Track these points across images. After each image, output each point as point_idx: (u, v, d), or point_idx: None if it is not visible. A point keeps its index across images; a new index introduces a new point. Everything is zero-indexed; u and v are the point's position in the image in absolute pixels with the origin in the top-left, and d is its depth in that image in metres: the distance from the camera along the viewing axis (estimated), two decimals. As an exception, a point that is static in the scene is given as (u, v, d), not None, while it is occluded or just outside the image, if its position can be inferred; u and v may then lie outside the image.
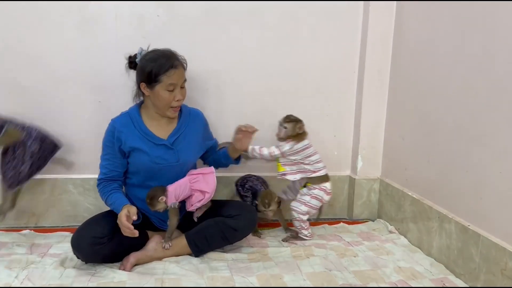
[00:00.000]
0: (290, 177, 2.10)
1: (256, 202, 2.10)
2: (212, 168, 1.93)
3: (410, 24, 2.16)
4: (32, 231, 2.13)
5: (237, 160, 2.13)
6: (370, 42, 2.31)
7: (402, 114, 2.24)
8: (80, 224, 1.83)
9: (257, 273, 1.75)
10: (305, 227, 2.11)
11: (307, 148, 2.07)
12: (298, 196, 2.13)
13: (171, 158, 1.90)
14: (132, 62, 1.92)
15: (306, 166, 2.08)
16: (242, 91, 2.33)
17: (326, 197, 2.11)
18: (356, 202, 2.45)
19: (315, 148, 2.10)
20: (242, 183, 2.22)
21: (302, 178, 2.11)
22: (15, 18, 2.08)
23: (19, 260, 1.80)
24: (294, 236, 2.14)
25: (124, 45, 2.15)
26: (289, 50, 2.33)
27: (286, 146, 2.05)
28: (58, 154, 2.14)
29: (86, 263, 1.78)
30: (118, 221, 1.71)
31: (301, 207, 2.09)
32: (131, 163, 1.91)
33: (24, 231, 2.12)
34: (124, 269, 1.74)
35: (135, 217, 1.69)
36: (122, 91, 2.18)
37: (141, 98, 1.96)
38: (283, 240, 2.11)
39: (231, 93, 2.32)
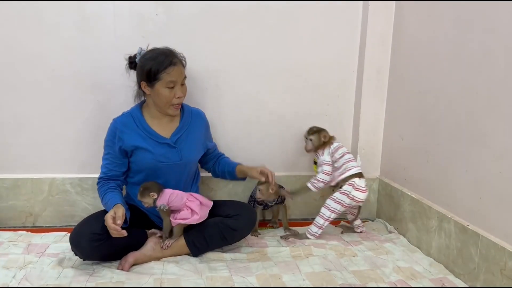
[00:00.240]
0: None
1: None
2: (212, 202, 1.93)
3: (409, 24, 2.16)
4: (29, 231, 2.11)
5: (243, 179, 2.13)
6: (369, 41, 2.31)
7: (401, 113, 2.24)
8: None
9: (256, 273, 1.74)
10: (319, 225, 2.09)
11: (340, 147, 2.14)
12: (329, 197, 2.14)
13: (174, 157, 1.90)
14: (132, 63, 1.92)
15: (340, 167, 2.12)
16: (241, 90, 2.32)
17: (355, 193, 2.07)
18: (355, 202, 2.45)
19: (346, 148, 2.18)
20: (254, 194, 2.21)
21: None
22: (13, 17, 2.07)
23: (16, 260, 1.79)
24: (293, 233, 2.15)
25: (123, 45, 2.15)
26: (288, 49, 2.32)
27: (324, 155, 2.13)
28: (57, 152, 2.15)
29: (84, 260, 1.77)
30: (105, 221, 1.67)
31: (332, 204, 2.08)
32: (134, 162, 1.90)
33: (19, 232, 2.10)
34: (122, 269, 1.73)
35: (119, 222, 1.66)
36: (121, 90, 2.18)
37: (142, 98, 1.96)
38: (281, 237, 2.11)
39: (230, 92, 2.31)
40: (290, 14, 2.28)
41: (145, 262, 1.80)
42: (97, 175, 1.98)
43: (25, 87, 2.14)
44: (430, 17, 1.98)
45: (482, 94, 1.66)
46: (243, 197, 2.34)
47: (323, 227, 2.09)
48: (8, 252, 1.86)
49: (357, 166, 2.12)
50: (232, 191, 2.38)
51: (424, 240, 1.99)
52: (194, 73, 2.12)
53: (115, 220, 1.66)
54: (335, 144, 2.14)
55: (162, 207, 1.82)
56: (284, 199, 2.22)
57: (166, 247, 1.84)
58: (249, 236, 2.01)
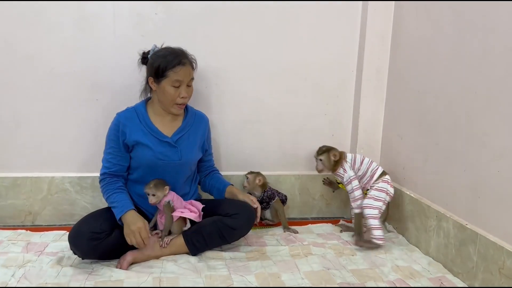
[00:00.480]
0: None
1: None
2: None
3: (409, 24, 2.16)
4: (28, 230, 2.11)
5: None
6: (369, 41, 2.31)
7: (400, 113, 2.24)
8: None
9: (255, 272, 1.74)
10: (377, 226, 2.02)
11: (354, 157, 2.13)
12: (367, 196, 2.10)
13: (173, 156, 1.91)
14: (144, 58, 1.96)
15: (366, 173, 2.13)
16: (241, 90, 2.32)
17: (390, 188, 2.10)
18: (354, 201, 2.45)
19: (362, 155, 2.17)
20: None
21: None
22: (13, 16, 2.07)
23: (15, 258, 1.79)
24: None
25: (122, 44, 2.16)
26: (288, 49, 2.32)
27: (348, 171, 2.10)
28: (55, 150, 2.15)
29: (83, 259, 1.77)
30: (136, 231, 1.73)
31: (374, 202, 2.06)
32: (134, 158, 1.91)
33: (19, 230, 2.10)
34: (121, 268, 1.73)
35: (146, 239, 1.75)
36: (120, 89, 2.19)
37: (149, 94, 1.98)
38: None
39: (230, 91, 2.31)
40: (290, 13, 2.28)
41: (144, 260, 1.80)
42: (96, 174, 1.99)
43: (25, 86, 2.14)
44: (430, 17, 1.99)
45: (481, 94, 1.66)
46: (242, 196, 2.34)
47: (380, 226, 2.04)
48: (7, 251, 1.86)
49: (380, 166, 2.15)
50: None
51: (423, 239, 1.99)
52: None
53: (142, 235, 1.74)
54: (349, 156, 2.14)
55: (170, 202, 1.85)
56: (273, 197, 2.23)
57: (165, 245, 1.84)
58: (248, 235, 2.01)
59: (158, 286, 1.62)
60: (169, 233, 1.87)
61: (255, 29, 2.27)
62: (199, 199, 2.10)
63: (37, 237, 2.03)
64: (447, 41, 1.86)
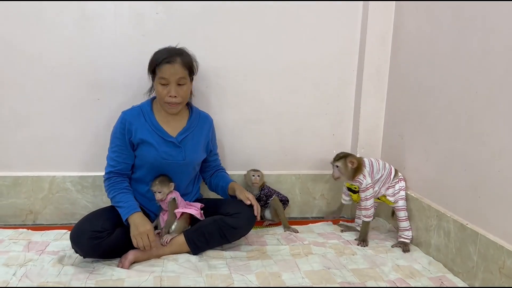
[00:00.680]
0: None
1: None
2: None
3: (409, 23, 2.16)
4: (30, 229, 2.12)
5: (233, 197, 2.09)
6: (369, 40, 2.31)
7: (401, 113, 2.24)
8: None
9: (255, 271, 1.75)
10: (408, 227, 2.05)
11: (371, 162, 2.08)
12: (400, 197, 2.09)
13: (177, 156, 1.92)
14: None
15: (383, 175, 2.08)
16: (241, 89, 2.33)
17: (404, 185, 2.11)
18: (354, 201, 2.46)
19: (376, 159, 2.12)
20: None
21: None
22: (14, 16, 2.07)
23: (16, 257, 1.80)
24: (293, 230, 2.19)
25: (123, 43, 2.16)
26: (289, 48, 2.33)
27: (367, 178, 2.04)
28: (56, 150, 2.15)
29: (84, 258, 1.77)
30: (143, 233, 1.74)
31: (403, 202, 2.06)
32: (138, 156, 1.92)
33: (20, 229, 2.11)
34: (122, 267, 1.73)
35: (153, 244, 1.77)
36: (121, 89, 2.19)
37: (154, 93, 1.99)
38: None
39: (231, 90, 2.32)
40: (291, 13, 2.28)
41: (145, 260, 1.81)
42: (97, 173, 2.00)
43: (26, 85, 2.14)
44: (430, 16, 1.99)
45: (481, 93, 1.66)
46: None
47: (410, 227, 2.06)
48: (9, 250, 1.87)
49: (389, 163, 2.14)
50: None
51: (423, 238, 2.00)
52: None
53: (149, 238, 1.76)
54: (367, 162, 2.07)
55: (175, 199, 1.87)
56: (270, 194, 2.24)
57: (166, 243, 1.84)
58: (249, 234, 2.01)
59: (159, 284, 1.62)
60: (169, 232, 1.88)
61: (255, 28, 2.27)
62: (200, 199, 2.11)
63: (38, 236, 2.03)
64: (447, 41, 1.86)
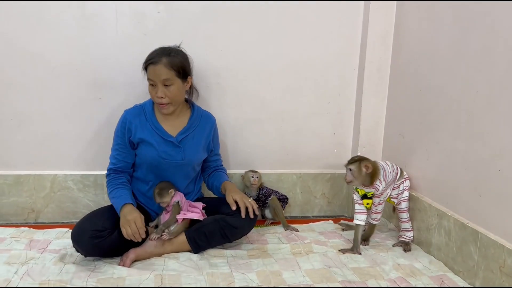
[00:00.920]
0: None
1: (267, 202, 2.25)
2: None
3: (410, 22, 2.16)
4: (31, 228, 2.12)
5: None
6: (371, 40, 2.31)
7: (402, 111, 2.24)
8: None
9: (256, 270, 1.75)
10: (410, 228, 2.04)
11: (384, 166, 1.99)
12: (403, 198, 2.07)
13: (177, 156, 1.92)
14: None
15: (391, 180, 2.02)
16: (242, 88, 2.33)
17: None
18: (355, 200, 2.46)
19: (384, 161, 2.06)
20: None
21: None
22: (15, 15, 2.08)
23: (18, 255, 1.80)
24: (293, 229, 2.18)
25: (124, 42, 2.16)
26: (290, 47, 2.33)
27: (383, 183, 1.95)
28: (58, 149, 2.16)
29: (85, 256, 1.78)
30: (131, 221, 1.72)
31: (406, 204, 2.05)
32: (138, 155, 1.93)
33: (22, 228, 2.12)
34: (123, 265, 1.74)
35: (142, 233, 1.73)
36: (122, 88, 2.20)
37: None
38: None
39: (232, 89, 2.32)
40: (291, 12, 2.28)
41: (146, 258, 1.81)
42: (99, 172, 2.00)
43: (27, 84, 2.15)
44: (431, 15, 1.99)
45: (482, 93, 1.66)
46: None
47: (411, 228, 2.05)
48: (11, 248, 1.87)
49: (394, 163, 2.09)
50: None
51: (424, 237, 2.00)
52: (195, 71, 2.13)
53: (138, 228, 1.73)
54: (380, 170, 1.96)
55: (179, 203, 1.88)
56: (268, 194, 2.25)
57: (166, 238, 1.83)
58: (250, 233, 2.01)
59: (160, 282, 1.62)
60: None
61: (256, 27, 2.28)
62: (201, 198, 2.11)
63: (40, 235, 2.04)
64: (448, 40, 1.86)
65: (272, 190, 2.30)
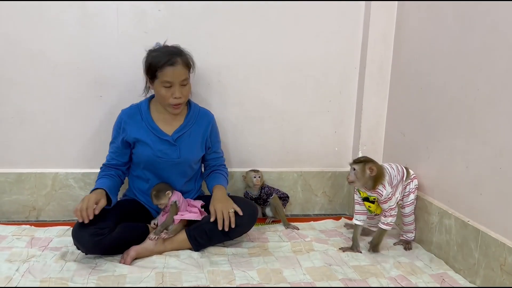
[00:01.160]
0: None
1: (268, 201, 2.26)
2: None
3: (411, 21, 2.16)
4: (33, 226, 2.13)
5: None
6: (372, 38, 2.31)
7: (403, 110, 2.24)
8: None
9: (257, 267, 1.75)
10: (414, 229, 2.03)
11: (390, 174, 1.90)
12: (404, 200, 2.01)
13: (173, 154, 1.92)
14: None
15: (396, 183, 1.94)
16: (243, 86, 2.33)
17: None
18: (356, 198, 2.46)
19: (388, 164, 1.98)
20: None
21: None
22: (16, 14, 2.08)
23: (19, 253, 1.81)
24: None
25: (125, 40, 2.17)
26: (291, 46, 2.33)
27: (387, 188, 1.85)
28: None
29: (86, 254, 1.78)
30: (85, 199, 1.70)
31: (412, 208, 2.01)
32: (135, 154, 1.94)
33: (23, 226, 2.12)
34: (124, 263, 1.74)
35: (96, 211, 1.68)
36: (123, 86, 2.20)
37: (152, 91, 1.99)
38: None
39: (233, 88, 2.32)
40: (293, 11, 2.28)
41: (147, 256, 1.81)
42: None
43: (28, 83, 2.16)
44: (432, 14, 1.98)
45: (483, 91, 1.66)
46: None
47: (414, 229, 2.03)
48: (12, 246, 1.88)
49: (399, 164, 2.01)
50: (234, 187, 2.39)
51: (424, 235, 2.00)
52: (197, 69, 2.13)
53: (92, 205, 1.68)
54: (386, 176, 1.88)
55: (176, 203, 1.88)
56: (270, 193, 2.25)
57: (165, 236, 1.83)
58: (250, 231, 2.01)
59: (161, 280, 1.63)
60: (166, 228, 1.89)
61: (257, 26, 2.28)
62: (201, 196, 2.11)
63: (41, 232, 2.04)
64: (449, 39, 1.86)
65: (273, 188, 2.31)
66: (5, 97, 2.15)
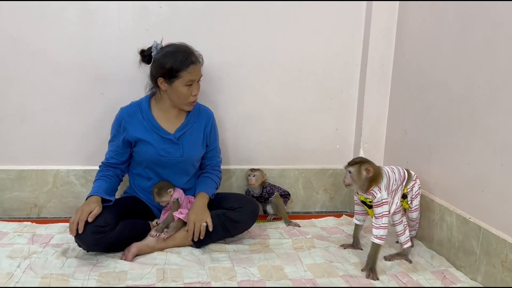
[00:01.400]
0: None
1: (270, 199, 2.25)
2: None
3: (413, 18, 2.16)
4: (34, 222, 2.13)
5: None
6: (373, 36, 2.31)
7: (404, 107, 2.24)
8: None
9: (258, 264, 1.75)
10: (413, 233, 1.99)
11: (388, 174, 1.80)
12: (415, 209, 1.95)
13: (175, 153, 1.92)
14: (145, 56, 1.93)
15: (395, 187, 1.83)
16: (244, 84, 2.33)
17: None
18: (357, 196, 2.45)
19: (390, 167, 1.87)
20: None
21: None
22: (18, 11, 2.08)
23: (21, 250, 1.81)
24: (295, 225, 2.15)
25: (126, 37, 2.16)
26: (292, 43, 2.32)
27: (382, 192, 1.73)
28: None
29: (88, 251, 1.79)
30: (78, 211, 1.70)
31: (417, 214, 1.96)
32: (137, 153, 1.93)
33: (24, 222, 2.12)
34: (125, 259, 1.74)
35: (90, 219, 1.68)
36: (125, 83, 2.20)
37: (153, 90, 1.98)
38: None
39: (234, 85, 2.32)
40: (295, 9, 2.28)
41: (148, 252, 1.81)
42: (101, 167, 2.00)
43: (30, 80, 2.16)
44: (433, 11, 1.98)
45: (484, 88, 1.66)
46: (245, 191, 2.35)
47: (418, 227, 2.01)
48: (13, 242, 1.88)
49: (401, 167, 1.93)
50: (235, 184, 2.39)
51: (426, 232, 2.00)
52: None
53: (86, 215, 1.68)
54: (384, 177, 1.77)
55: (178, 200, 1.89)
56: (272, 192, 2.25)
57: (164, 237, 1.83)
58: (251, 228, 2.01)
59: (162, 276, 1.62)
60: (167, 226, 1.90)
61: (259, 24, 2.27)
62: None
63: (42, 229, 2.05)
64: (450, 36, 1.86)
65: (275, 186, 2.30)
66: (6, 94, 2.16)
